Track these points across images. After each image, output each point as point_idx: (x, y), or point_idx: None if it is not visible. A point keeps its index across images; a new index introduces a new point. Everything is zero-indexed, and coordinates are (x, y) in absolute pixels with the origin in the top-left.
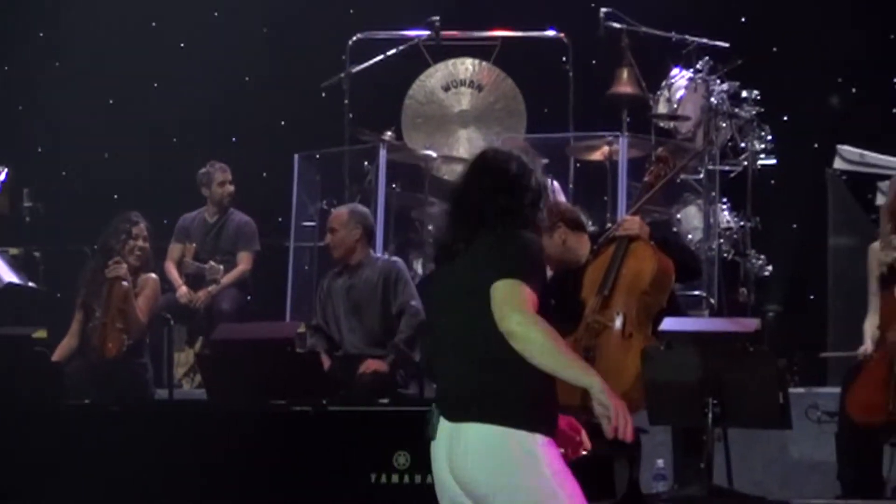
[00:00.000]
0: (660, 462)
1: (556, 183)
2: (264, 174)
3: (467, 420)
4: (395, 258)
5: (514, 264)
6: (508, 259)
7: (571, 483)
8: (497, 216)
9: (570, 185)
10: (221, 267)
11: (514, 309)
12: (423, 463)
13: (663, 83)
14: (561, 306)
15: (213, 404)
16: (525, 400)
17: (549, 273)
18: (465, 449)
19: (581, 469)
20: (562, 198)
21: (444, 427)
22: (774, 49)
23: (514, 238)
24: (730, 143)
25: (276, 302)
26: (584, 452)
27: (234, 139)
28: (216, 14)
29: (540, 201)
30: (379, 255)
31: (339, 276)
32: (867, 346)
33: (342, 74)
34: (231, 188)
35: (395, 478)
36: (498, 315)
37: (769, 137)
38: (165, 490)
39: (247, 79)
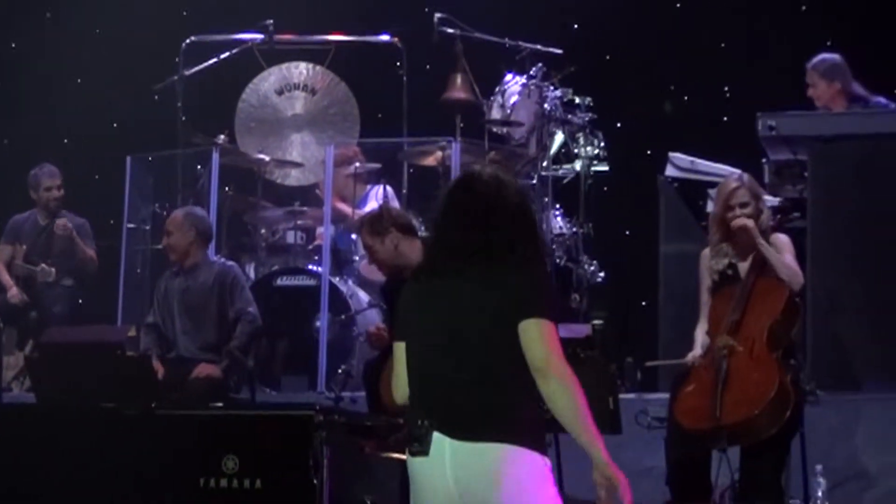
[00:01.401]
0: None
1: (389, 188)
2: (96, 176)
3: (482, 440)
4: (230, 263)
5: (544, 303)
6: (540, 297)
7: None
8: (518, 246)
9: (404, 191)
10: (53, 269)
11: (556, 355)
12: (251, 467)
13: (497, 89)
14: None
15: (42, 407)
16: (535, 422)
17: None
18: (481, 468)
19: None
20: (395, 203)
21: (445, 444)
22: (607, 56)
23: (542, 275)
24: (563, 150)
25: (107, 305)
26: None
27: (66, 140)
28: (48, 15)
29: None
30: (215, 258)
31: (175, 276)
32: (697, 352)
33: (175, 77)
34: (58, 193)
35: (223, 482)
36: (538, 354)
37: (602, 144)
38: None
39: (79, 80)
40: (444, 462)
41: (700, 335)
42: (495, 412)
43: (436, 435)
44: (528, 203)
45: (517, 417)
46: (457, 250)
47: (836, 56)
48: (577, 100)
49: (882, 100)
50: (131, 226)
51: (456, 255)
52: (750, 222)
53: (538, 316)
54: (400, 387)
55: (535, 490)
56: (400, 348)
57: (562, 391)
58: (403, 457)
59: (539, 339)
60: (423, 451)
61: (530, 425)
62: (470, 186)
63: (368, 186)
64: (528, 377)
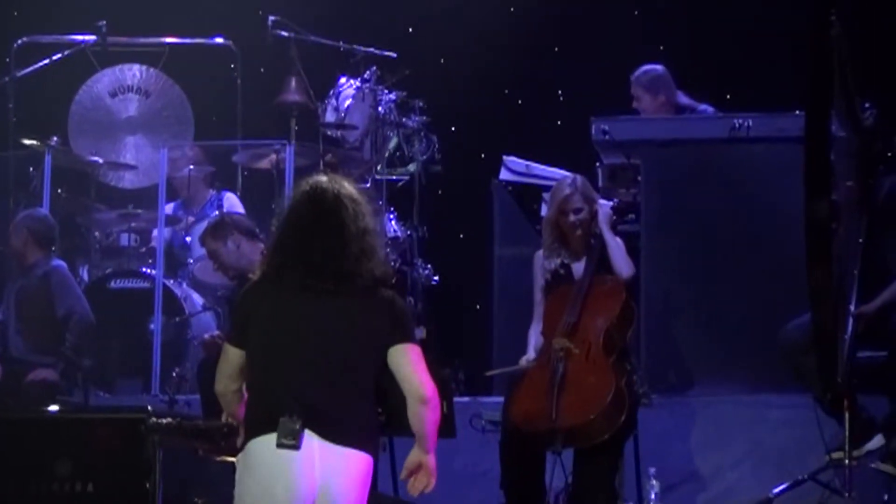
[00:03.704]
0: None
1: (233, 195)
2: None
3: (347, 444)
4: (57, 262)
5: (412, 328)
6: (408, 323)
7: None
8: (375, 268)
9: (238, 193)
10: None
11: (428, 381)
12: (84, 471)
13: (331, 92)
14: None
15: None
16: (379, 431)
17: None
18: (343, 469)
19: None
20: (241, 209)
21: (314, 442)
22: (441, 60)
23: (403, 302)
24: (397, 153)
25: None
26: None
27: None
28: None
29: None
30: (56, 260)
31: (18, 277)
32: (530, 355)
33: (7, 78)
34: None
35: (55, 486)
36: (415, 380)
37: (436, 147)
38: None
39: None
40: (312, 457)
41: (534, 336)
42: (360, 421)
43: (305, 432)
44: (374, 220)
45: (372, 427)
46: (322, 268)
47: (658, 67)
48: (411, 103)
49: (709, 108)
50: None
51: (322, 273)
52: None
53: (409, 341)
54: (221, 382)
55: (366, 491)
56: (234, 351)
57: (430, 412)
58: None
59: (412, 364)
60: (295, 445)
61: (377, 434)
62: (322, 199)
63: (211, 192)
64: (376, 389)
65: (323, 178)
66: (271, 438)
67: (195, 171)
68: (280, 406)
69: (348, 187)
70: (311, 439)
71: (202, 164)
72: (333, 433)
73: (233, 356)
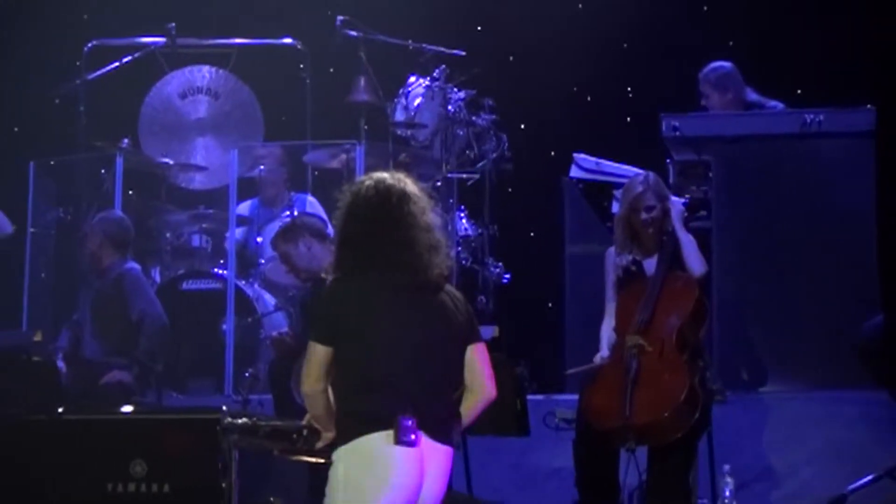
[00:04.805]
0: None
1: (314, 199)
2: None
3: (445, 441)
4: (129, 265)
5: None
6: (476, 322)
7: None
8: (445, 266)
9: (304, 193)
10: None
11: (492, 377)
12: (160, 472)
13: (400, 91)
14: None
15: None
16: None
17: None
18: (442, 465)
19: None
20: (321, 211)
21: (421, 440)
22: (510, 57)
23: None
24: (467, 151)
25: (11, 310)
26: None
27: None
28: None
29: None
30: (130, 262)
31: (94, 280)
32: (604, 352)
33: (77, 81)
34: None
35: (131, 486)
36: (483, 375)
37: (506, 145)
38: None
39: None
40: (421, 454)
41: (606, 333)
42: (453, 418)
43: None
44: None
45: (459, 423)
46: (399, 263)
47: (726, 64)
48: (481, 101)
49: (778, 104)
50: (35, 230)
51: (401, 268)
52: None
53: (481, 339)
54: (310, 382)
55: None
56: (324, 350)
57: (484, 409)
58: (312, 459)
59: (485, 362)
60: (413, 442)
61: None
62: (389, 195)
63: (290, 193)
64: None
65: (385, 175)
66: (386, 435)
67: (264, 173)
68: (392, 403)
69: (411, 184)
70: (426, 441)
71: (284, 165)
72: (436, 430)
73: (323, 356)
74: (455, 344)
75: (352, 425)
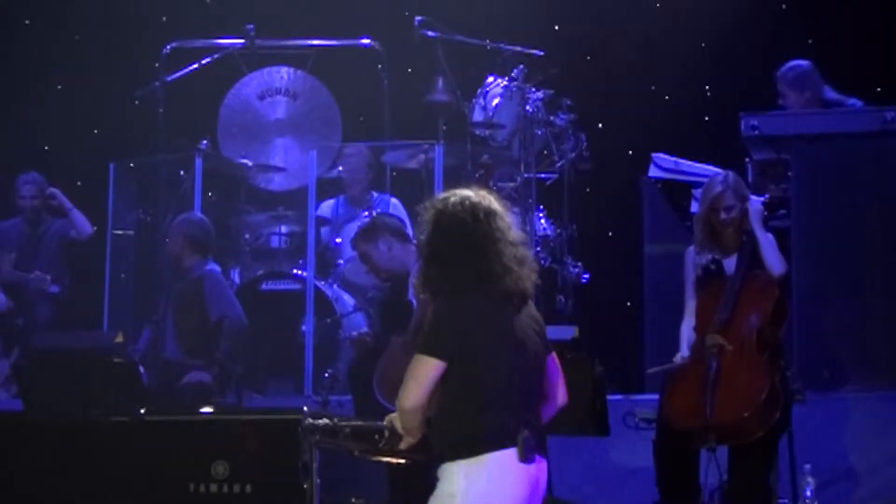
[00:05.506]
0: None
1: (397, 201)
2: (78, 183)
3: (545, 456)
4: (210, 266)
5: None
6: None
7: None
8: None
9: (387, 194)
10: (49, 276)
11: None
12: (241, 472)
13: (478, 91)
14: (390, 314)
15: (30, 415)
16: None
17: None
18: (545, 479)
19: None
20: (403, 213)
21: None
22: (588, 57)
23: None
24: (545, 151)
25: (92, 311)
26: None
27: (46, 147)
28: (27, 21)
29: None
30: (210, 264)
31: (176, 281)
32: (684, 352)
33: (156, 83)
34: (33, 201)
35: (213, 487)
36: (559, 384)
37: (584, 145)
38: None
39: (59, 87)
40: (536, 471)
41: (686, 332)
42: (545, 431)
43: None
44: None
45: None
46: (502, 279)
47: (804, 63)
48: (559, 101)
49: (857, 102)
50: (117, 232)
51: (505, 284)
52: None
53: (552, 349)
54: (418, 398)
55: None
56: (439, 365)
57: (555, 412)
58: (394, 460)
59: (557, 369)
60: (533, 459)
61: None
62: (478, 212)
63: (374, 194)
64: None
65: (469, 192)
66: (511, 453)
67: (345, 172)
68: (514, 420)
69: (494, 200)
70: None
71: (371, 165)
72: (542, 446)
73: (437, 371)
74: (543, 355)
75: (476, 441)
